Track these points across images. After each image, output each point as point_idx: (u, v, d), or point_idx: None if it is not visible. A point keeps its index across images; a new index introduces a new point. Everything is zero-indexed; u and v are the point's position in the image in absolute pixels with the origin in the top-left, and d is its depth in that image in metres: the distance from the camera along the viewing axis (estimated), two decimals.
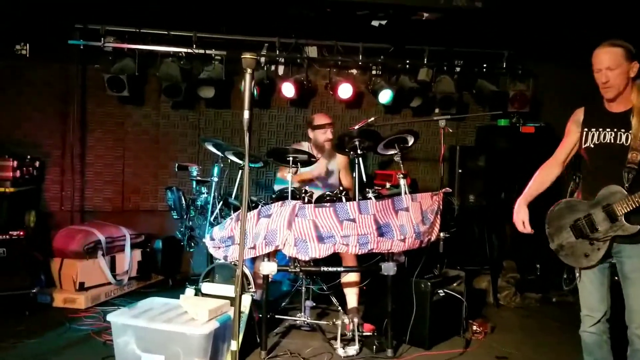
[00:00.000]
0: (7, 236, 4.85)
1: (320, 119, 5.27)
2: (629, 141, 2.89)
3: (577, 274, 3.10)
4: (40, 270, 5.26)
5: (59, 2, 5.52)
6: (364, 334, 4.23)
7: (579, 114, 3.14)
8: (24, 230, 5.01)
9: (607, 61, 2.89)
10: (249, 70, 2.58)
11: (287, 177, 4.40)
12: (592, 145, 3.02)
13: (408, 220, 4.11)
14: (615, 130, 2.95)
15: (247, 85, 2.61)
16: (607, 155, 2.96)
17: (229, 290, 4.04)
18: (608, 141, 2.96)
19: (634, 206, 2.80)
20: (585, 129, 3.06)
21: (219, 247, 4.26)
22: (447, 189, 4.60)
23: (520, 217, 3.26)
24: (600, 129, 3.00)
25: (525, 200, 3.29)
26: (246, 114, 2.60)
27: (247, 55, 2.57)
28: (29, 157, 5.97)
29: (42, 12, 5.79)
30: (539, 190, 3.28)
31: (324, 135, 5.18)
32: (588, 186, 3.08)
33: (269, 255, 4.12)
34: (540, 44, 6.41)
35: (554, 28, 5.74)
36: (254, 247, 4.04)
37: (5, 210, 5.55)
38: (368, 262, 4.41)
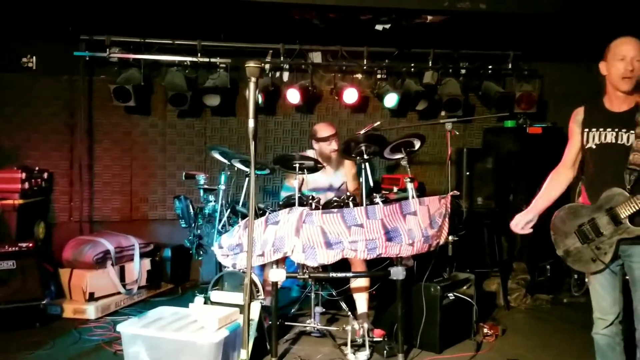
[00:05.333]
0: (17, 248, 4.88)
1: (323, 130, 5.17)
2: (630, 141, 2.86)
3: (587, 279, 3.07)
4: (50, 281, 5.29)
5: (64, 14, 5.54)
6: (375, 339, 4.22)
7: (580, 114, 3.10)
8: (34, 241, 5.04)
9: (635, 51, 2.84)
10: (253, 79, 2.58)
11: (294, 184, 4.39)
12: (593, 146, 2.99)
13: (416, 224, 4.09)
14: (616, 130, 2.91)
15: (251, 93, 2.61)
16: (609, 156, 2.93)
17: (238, 298, 4.04)
18: (609, 141, 2.93)
19: (637, 208, 2.78)
20: (586, 129, 3.02)
21: (228, 255, 4.25)
22: (455, 191, 4.59)
23: (524, 219, 3.24)
24: (601, 129, 2.96)
25: (536, 208, 3.24)
26: (251, 122, 2.60)
27: (251, 64, 2.57)
28: (37, 168, 6.01)
29: (48, 25, 5.83)
30: (552, 196, 3.21)
31: (330, 147, 5.11)
32: (590, 189, 3.05)
33: (278, 262, 4.12)
34: (546, 44, 6.39)
35: (560, 28, 5.71)
36: (262, 255, 4.04)
37: (14, 222, 5.56)
38: (377, 267, 4.39)
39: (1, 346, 4.31)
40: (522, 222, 3.24)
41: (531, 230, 3.25)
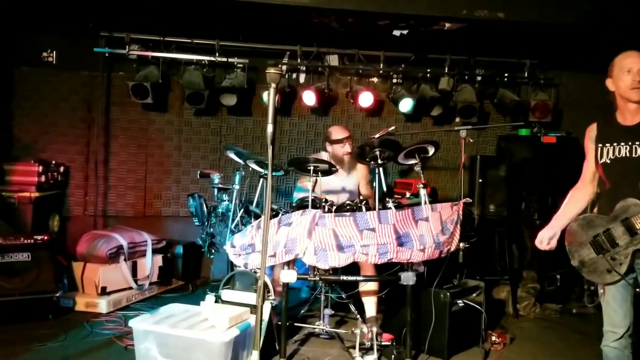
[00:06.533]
0: (32, 240, 4.94)
1: (337, 133, 5.18)
2: None
3: (601, 290, 3.06)
4: (63, 274, 5.33)
5: (85, 10, 5.61)
6: (383, 343, 4.24)
7: (593, 130, 3.11)
8: (48, 234, 5.10)
9: None
10: (273, 85, 2.60)
11: (308, 186, 4.42)
12: (608, 161, 2.99)
13: (428, 230, 4.11)
14: (630, 143, 2.92)
15: (271, 99, 2.63)
16: (624, 170, 2.93)
17: (249, 297, 4.08)
18: (624, 155, 2.93)
19: None
20: (600, 145, 3.03)
21: (240, 255, 4.29)
22: (467, 199, 4.58)
23: (547, 235, 3.23)
24: (615, 144, 2.97)
25: (558, 224, 3.22)
26: (270, 128, 2.61)
27: (272, 70, 2.59)
28: (53, 162, 6.10)
29: (69, 20, 5.90)
30: (574, 211, 3.20)
31: (343, 149, 5.12)
32: (606, 201, 3.05)
33: (289, 263, 4.15)
34: (563, 53, 6.38)
35: (577, 38, 5.71)
36: (274, 255, 4.07)
37: (30, 215, 5.64)
38: (387, 272, 4.41)
39: (14, 337, 4.37)
40: (545, 239, 3.23)
41: (554, 247, 3.23)
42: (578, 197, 3.23)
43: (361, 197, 4.74)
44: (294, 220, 4.10)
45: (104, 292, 5.23)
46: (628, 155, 2.93)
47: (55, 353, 4.15)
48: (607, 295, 3.04)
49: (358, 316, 4.72)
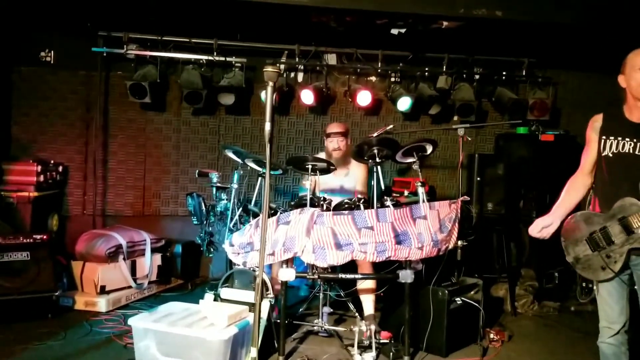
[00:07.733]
0: (31, 240, 4.94)
1: (332, 128, 5.23)
2: None
3: (595, 287, 3.07)
4: (63, 274, 5.34)
5: (83, 10, 5.62)
6: (381, 341, 4.23)
7: (597, 121, 3.09)
8: (47, 234, 5.10)
9: None
10: (270, 83, 2.60)
11: (306, 185, 4.43)
12: (610, 154, 2.99)
13: (426, 228, 4.12)
14: (635, 140, 2.91)
15: (268, 97, 2.64)
16: (625, 166, 2.93)
17: (248, 295, 4.08)
18: (627, 151, 2.93)
19: None
20: (604, 137, 3.02)
21: (238, 253, 4.30)
22: (465, 197, 4.59)
23: (542, 224, 3.22)
24: (619, 138, 2.96)
25: (557, 214, 3.20)
26: (268, 126, 2.61)
27: (269, 68, 2.59)
28: (52, 162, 6.11)
29: (67, 20, 5.90)
30: (572, 202, 3.19)
31: (331, 144, 5.16)
32: (603, 197, 3.05)
33: (287, 262, 4.16)
34: (561, 51, 6.40)
35: (575, 37, 5.72)
36: (272, 254, 4.07)
37: (29, 214, 5.65)
38: (386, 270, 4.41)
39: (14, 336, 4.38)
40: (538, 226, 3.21)
41: (547, 235, 3.22)
42: (577, 187, 3.21)
43: (359, 196, 4.74)
44: (292, 218, 4.11)
45: (103, 291, 5.24)
46: (631, 152, 2.93)
47: (54, 352, 4.15)
48: (603, 292, 3.06)
49: (356, 314, 4.73)
